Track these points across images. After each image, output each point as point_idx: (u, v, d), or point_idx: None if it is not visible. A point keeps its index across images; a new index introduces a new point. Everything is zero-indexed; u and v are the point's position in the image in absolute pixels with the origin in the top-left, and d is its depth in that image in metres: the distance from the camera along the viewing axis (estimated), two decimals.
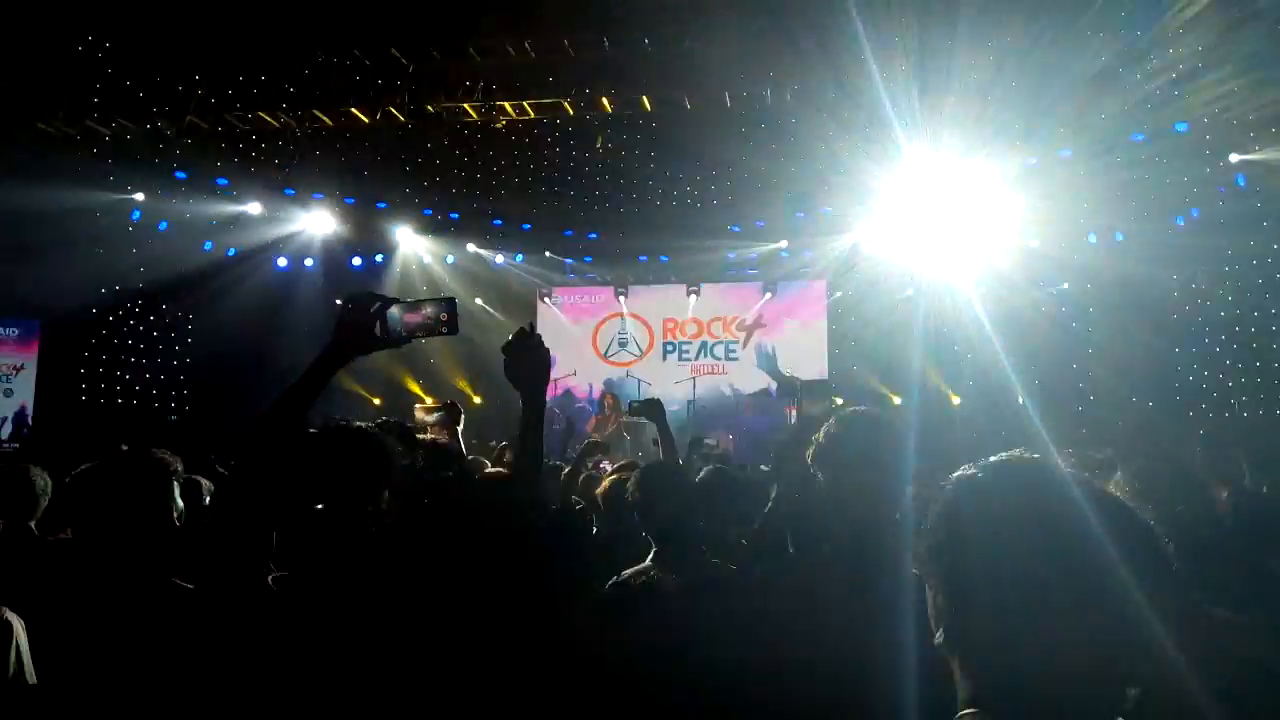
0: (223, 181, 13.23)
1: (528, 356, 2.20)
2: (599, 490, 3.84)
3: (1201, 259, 12.33)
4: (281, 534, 1.90)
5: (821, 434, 2.47)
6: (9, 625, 1.89)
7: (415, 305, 2.04)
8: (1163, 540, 1.12)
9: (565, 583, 2.52)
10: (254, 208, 13.62)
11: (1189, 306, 12.97)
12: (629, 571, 2.77)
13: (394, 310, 2.01)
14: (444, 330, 2.04)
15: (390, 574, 2.04)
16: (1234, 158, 10.67)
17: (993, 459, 1.22)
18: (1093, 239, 13.40)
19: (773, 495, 3.17)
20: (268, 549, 1.95)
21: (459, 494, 2.50)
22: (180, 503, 2.42)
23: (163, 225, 13.36)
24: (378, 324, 2.00)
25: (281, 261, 14.94)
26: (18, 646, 2.17)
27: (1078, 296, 13.55)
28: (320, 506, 1.89)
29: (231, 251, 14.16)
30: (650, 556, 2.84)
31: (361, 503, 1.90)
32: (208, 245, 13.95)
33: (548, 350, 2.23)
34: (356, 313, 1.99)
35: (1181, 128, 10.47)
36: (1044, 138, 11.13)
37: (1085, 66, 9.41)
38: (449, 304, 2.05)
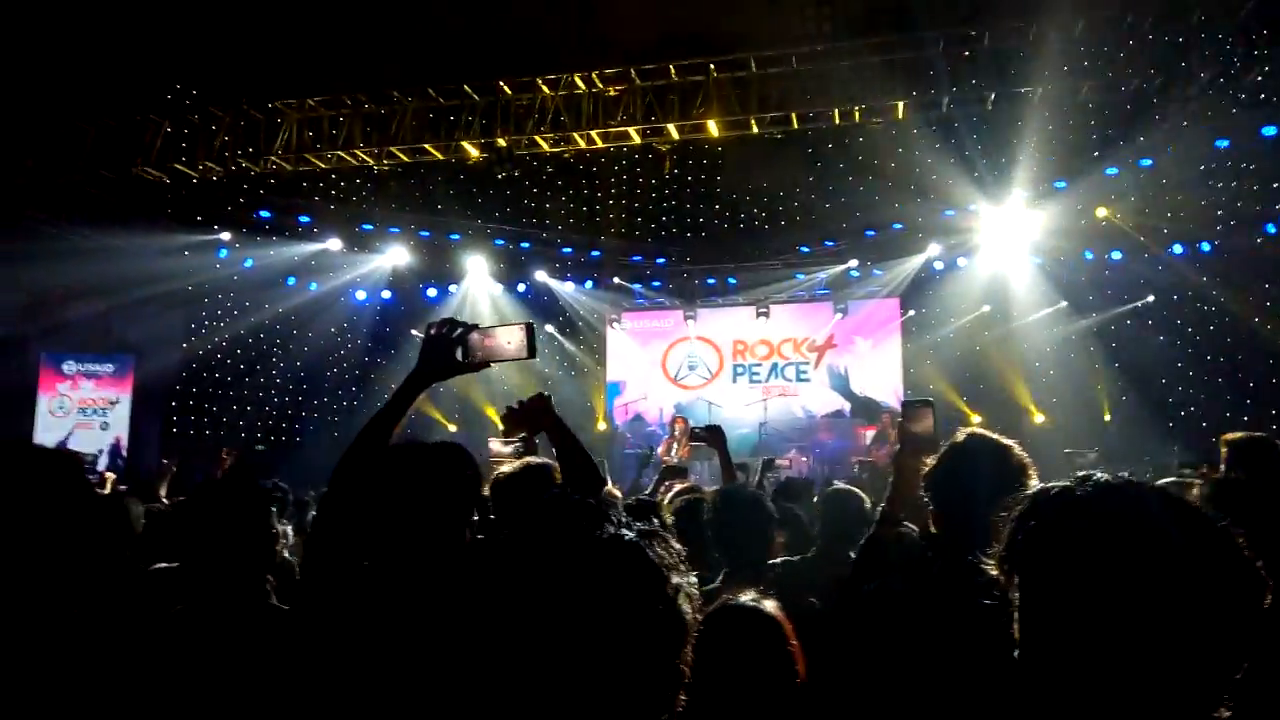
0: (304, 220, 13.73)
1: (526, 408, 2.37)
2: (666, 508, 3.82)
3: None
4: (375, 558, 1.95)
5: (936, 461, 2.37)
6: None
7: (493, 330, 2.12)
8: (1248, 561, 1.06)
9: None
10: (333, 244, 14.09)
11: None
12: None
13: (473, 336, 2.10)
14: (523, 354, 2.10)
15: (480, 596, 2.08)
16: None
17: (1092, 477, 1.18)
18: (1178, 250, 12.97)
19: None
20: (361, 572, 2.00)
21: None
22: (279, 527, 2.51)
23: (247, 263, 13.89)
24: (458, 349, 2.07)
25: (360, 295, 15.39)
26: None
27: (1160, 309, 13.11)
28: (410, 529, 1.94)
29: (313, 286, 14.63)
30: (721, 578, 2.84)
31: (452, 522, 1.94)
32: (291, 280, 14.46)
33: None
34: (439, 340, 2.07)
35: (1269, 132, 10.09)
36: (1124, 148, 10.85)
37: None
38: (527, 329, 2.12)
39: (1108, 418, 13.11)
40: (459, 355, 2.08)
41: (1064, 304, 13.52)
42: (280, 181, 12.18)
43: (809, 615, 2.25)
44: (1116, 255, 13.26)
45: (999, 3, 9.32)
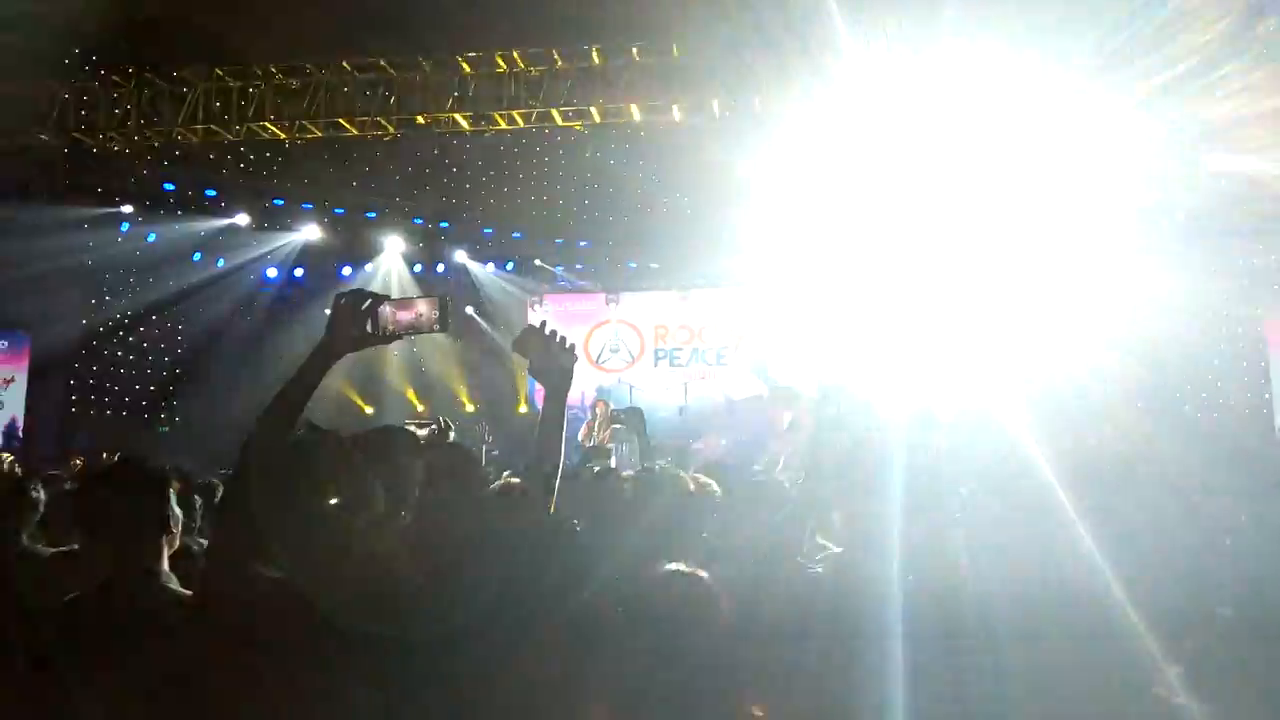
0: (211, 193, 13.25)
1: (556, 355, 2.37)
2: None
3: None
4: (279, 537, 1.91)
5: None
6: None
7: (407, 302, 2.08)
8: None
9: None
10: (242, 219, 13.64)
11: None
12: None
13: (385, 307, 2.05)
14: (435, 327, 2.08)
15: (389, 578, 2.05)
16: None
17: None
18: None
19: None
20: (266, 552, 1.96)
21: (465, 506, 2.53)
22: (178, 510, 2.43)
23: (151, 237, 13.36)
24: (369, 320, 2.03)
25: (271, 272, 14.95)
26: None
27: None
28: (318, 508, 1.90)
29: (220, 262, 14.16)
30: None
31: (353, 506, 1.91)
32: (197, 256, 13.96)
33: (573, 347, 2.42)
34: (348, 309, 2.03)
35: None
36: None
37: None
38: (440, 302, 2.09)
39: None
40: (369, 327, 2.03)
41: None
42: (186, 154, 11.71)
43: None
44: None
45: None
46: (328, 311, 2.06)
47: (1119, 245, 10.58)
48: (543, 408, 2.50)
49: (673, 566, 2.09)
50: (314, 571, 1.87)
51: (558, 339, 2.43)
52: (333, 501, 1.88)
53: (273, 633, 1.81)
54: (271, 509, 1.90)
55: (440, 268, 15.33)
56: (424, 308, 2.08)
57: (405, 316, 2.06)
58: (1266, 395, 12.09)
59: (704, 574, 2.08)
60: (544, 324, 2.44)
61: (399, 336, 2.10)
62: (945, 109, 10.08)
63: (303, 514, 1.90)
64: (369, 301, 2.04)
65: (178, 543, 2.37)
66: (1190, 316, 11.13)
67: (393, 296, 2.08)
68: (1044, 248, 10.88)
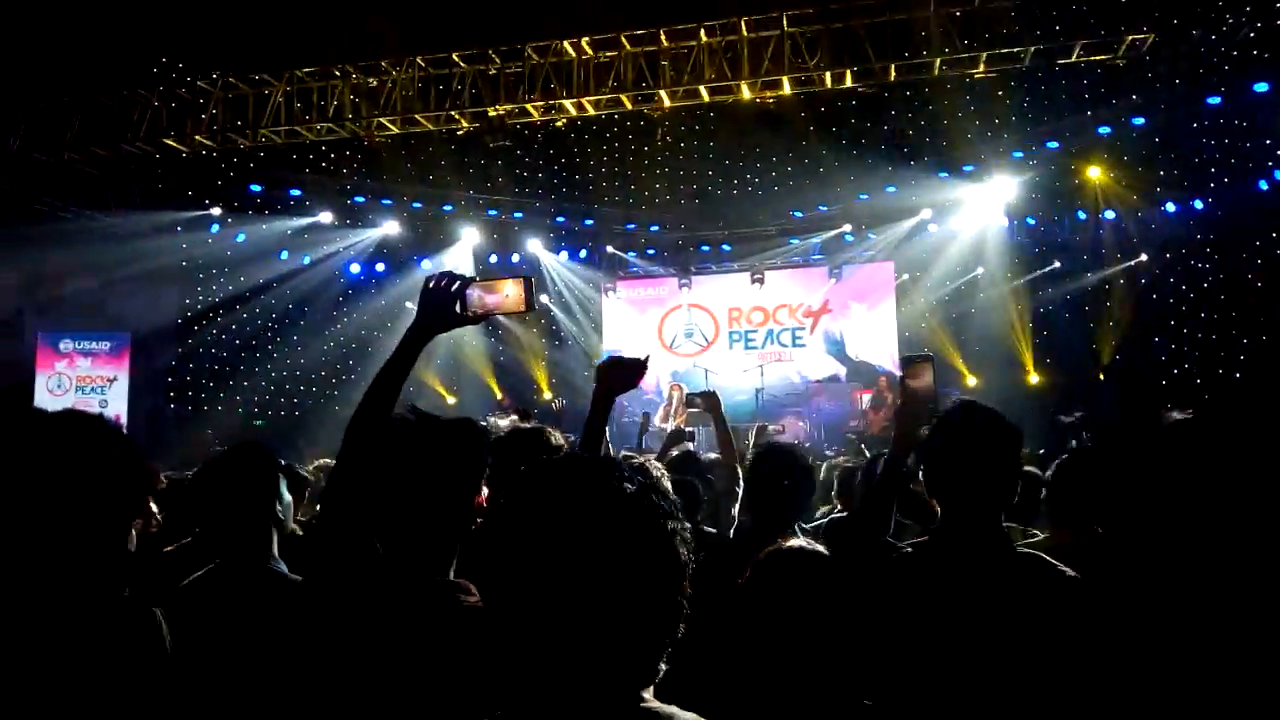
0: (295, 193, 13.68)
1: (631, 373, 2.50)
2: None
3: None
4: (385, 528, 1.99)
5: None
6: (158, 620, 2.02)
7: (493, 284, 2.13)
8: None
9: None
10: (325, 217, 14.06)
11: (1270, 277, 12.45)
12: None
13: (474, 289, 2.10)
14: (521, 308, 2.13)
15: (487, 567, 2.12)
16: None
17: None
18: (1170, 208, 12.99)
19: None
20: (372, 543, 2.04)
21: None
22: (288, 496, 2.55)
23: (239, 237, 13.85)
24: (457, 302, 2.08)
25: (354, 268, 15.38)
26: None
27: (1155, 267, 13.14)
28: (424, 505, 1.97)
29: (306, 259, 14.61)
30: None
31: (460, 495, 1.96)
32: (283, 254, 14.43)
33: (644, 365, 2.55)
34: (437, 292, 2.08)
35: (1262, 88, 10.05)
36: (1116, 108, 10.82)
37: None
38: (526, 282, 2.14)
39: (1100, 377, 13.19)
40: (457, 308, 2.08)
41: (1057, 264, 13.56)
42: (270, 155, 12.11)
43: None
44: (1110, 215, 13.26)
45: None
46: (411, 306, 2.13)
47: None
48: (592, 419, 2.54)
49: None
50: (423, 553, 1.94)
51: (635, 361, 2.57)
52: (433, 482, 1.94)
53: (379, 615, 1.88)
54: (375, 492, 1.98)
55: (515, 258, 15.55)
56: (510, 288, 2.12)
57: (493, 298, 2.11)
58: None
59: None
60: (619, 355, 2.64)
61: (487, 317, 2.15)
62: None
63: (404, 496, 1.96)
64: (458, 283, 2.09)
65: (288, 529, 2.50)
66: None
67: (479, 278, 2.13)
68: None
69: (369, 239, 14.81)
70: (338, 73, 10.86)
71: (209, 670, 2.12)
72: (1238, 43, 9.32)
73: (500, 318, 2.34)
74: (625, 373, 2.49)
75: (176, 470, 5.41)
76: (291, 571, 2.47)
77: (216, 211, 13.42)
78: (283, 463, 2.76)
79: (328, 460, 4.84)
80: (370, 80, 10.89)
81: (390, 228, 14.67)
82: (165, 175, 12.37)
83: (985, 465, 2.23)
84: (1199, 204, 12.77)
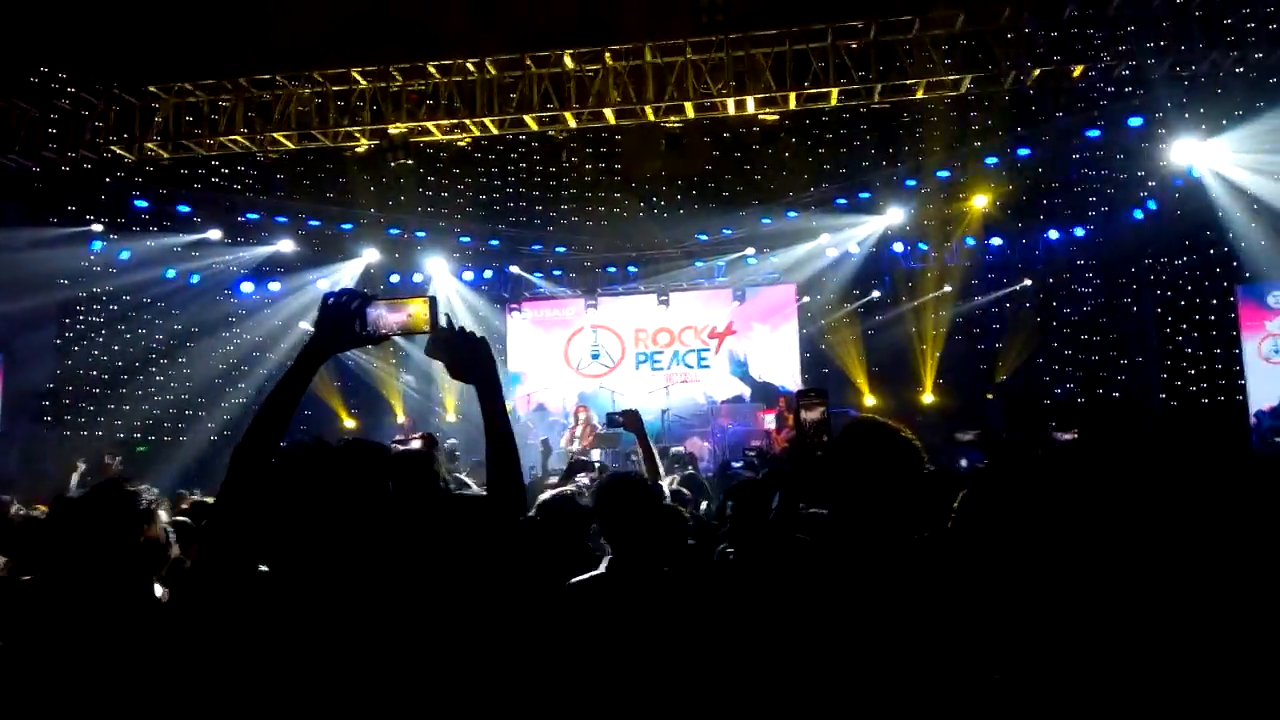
0: (184, 209, 13.14)
1: (464, 349, 2.13)
2: (541, 499, 3.76)
3: (1161, 252, 12.60)
4: (272, 551, 1.89)
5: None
6: None
7: (396, 302, 2.05)
8: None
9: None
10: (215, 234, 13.52)
11: (1145, 300, 13.24)
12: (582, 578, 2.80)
13: (375, 308, 2.03)
14: (425, 329, 2.05)
15: (371, 590, 2.03)
16: (1183, 150, 10.68)
17: None
18: (1054, 234, 13.68)
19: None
20: (255, 565, 1.94)
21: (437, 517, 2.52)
22: (168, 531, 2.40)
23: (123, 254, 13.22)
24: (357, 321, 2.01)
25: (246, 286, 14.83)
26: None
27: (1039, 291, 13.81)
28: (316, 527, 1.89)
29: (195, 278, 14.04)
30: (605, 564, 2.84)
31: (357, 523, 1.89)
32: (170, 273, 13.83)
33: (480, 337, 2.16)
34: (336, 309, 2.00)
35: (1135, 123, 10.68)
36: (1002, 139, 11.36)
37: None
38: (430, 302, 2.07)
39: (990, 396, 13.74)
40: (357, 327, 2.01)
41: (947, 288, 14.10)
42: (158, 169, 11.61)
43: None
44: (996, 241, 13.88)
45: None
46: (306, 327, 2.04)
47: None
48: (483, 418, 2.14)
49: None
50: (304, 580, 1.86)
51: (463, 331, 2.16)
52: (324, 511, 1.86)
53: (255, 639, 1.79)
54: (261, 520, 1.88)
55: (417, 276, 15.26)
56: (414, 308, 2.05)
57: (395, 317, 2.04)
58: None
59: None
60: (448, 318, 2.14)
61: (387, 337, 2.07)
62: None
63: (293, 525, 1.88)
64: (358, 301, 2.02)
65: (169, 560, 2.36)
66: None
67: (380, 297, 2.05)
68: None
69: (262, 256, 14.30)
70: (230, 87, 10.50)
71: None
72: (1114, 80, 9.91)
73: (400, 339, 2.24)
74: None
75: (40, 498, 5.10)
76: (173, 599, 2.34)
77: (98, 228, 12.77)
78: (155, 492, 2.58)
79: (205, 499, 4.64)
80: (265, 95, 10.57)
81: (285, 245, 14.19)
82: (44, 190, 11.71)
83: (872, 471, 2.30)
84: (1080, 231, 13.48)
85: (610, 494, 2.93)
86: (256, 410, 1.94)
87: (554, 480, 5.65)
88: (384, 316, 2.03)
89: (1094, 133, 11.16)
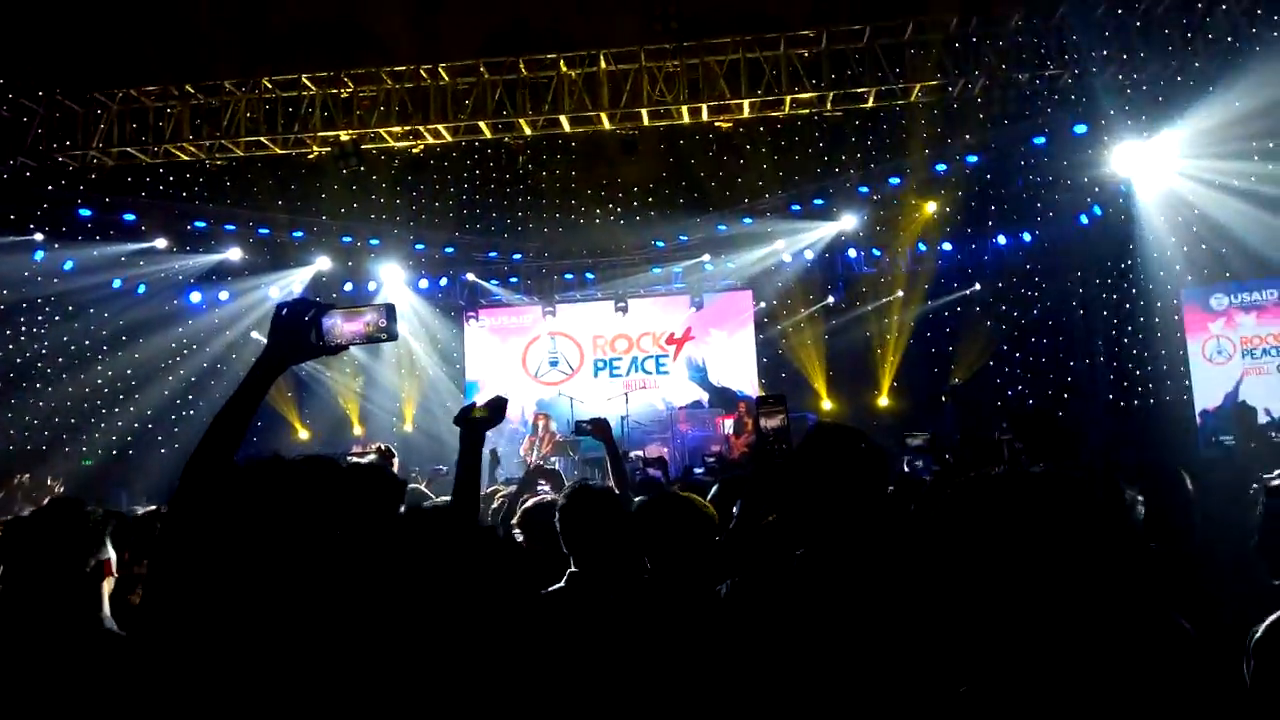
0: (129, 217, 12.82)
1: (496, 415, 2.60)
2: (523, 507, 3.73)
3: (1106, 257, 12.88)
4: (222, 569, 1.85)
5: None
6: None
7: (353, 312, 1.99)
8: None
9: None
10: (161, 242, 13.21)
11: (1091, 304, 13.54)
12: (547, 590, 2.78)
13: (331, 317, 1.96)
14: (383, 337, 2.00)
15: (332, 608, 2.00)
16: (1125, 156, 10.93)
17: None
18: (1001, 240, 13.94)
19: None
20: (213, 588, 1.89)
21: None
22: (111, 551, 2.34)
23: (67, 265, 12.87)
24: (313, 330, 1.94)
25: (195, 296, 14.53)
26: None
27: (987, 296, 14.07)
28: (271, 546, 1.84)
29: (142, 288, 13.72)
30: (566, 578, 2.81)
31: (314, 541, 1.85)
32: (117, 283, 13.50)
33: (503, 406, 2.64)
34: (290, 319, 1.93)
35: (1080, 130, 10.92)
36: (951, 146, 11.55)
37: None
38: (388, 310, 2.01)
39: (944, 399, 13.94)
40: (312, 337, 1.94)
41: (900, 293, 14.28)
42: (102, 176, 11.34)
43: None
44: (947, 246, 14.10)
45: (839, 5, 9.74)
46: (258, 336, 2.00)
47: None
48: (463, 457, 2.61)
49: None
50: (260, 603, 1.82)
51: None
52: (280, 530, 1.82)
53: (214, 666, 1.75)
54: (214, 539, 1.83)
55: (372, 284, 15.07)
56: (372, 316, 1.99)
57: (351, 326, 1.97)
58: None
59: None
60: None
61: (345, 347, 2.00)
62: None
63: (248, 544, 1.83)
64: (313, 310, 1.95)
65: (113, 582, 2.29)
66: None
67: (336, 305, 1.99)
68: None
69: (210, 264, 14.01)
70: (176, 93, 10.30)
71: None
72: (1059, 88, 10.14)
73: (356, 349, 2.19)
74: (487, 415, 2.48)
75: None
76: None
77: (39, 237, 12.41)
78: (101, 512, 2.51)
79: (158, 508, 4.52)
80: (212, 100, 10.39)
81: (234, 254, 13.92)
82: None
83: (839, 478, 2.29)
84: (1027, 236, 13.75)
85: (575, 505, 2.89)
86: (207, 427, 1.88)
87: (503, 489, 5.60)
88: (340, 326, 1.96)
89: (1040, 139, 11.38)
